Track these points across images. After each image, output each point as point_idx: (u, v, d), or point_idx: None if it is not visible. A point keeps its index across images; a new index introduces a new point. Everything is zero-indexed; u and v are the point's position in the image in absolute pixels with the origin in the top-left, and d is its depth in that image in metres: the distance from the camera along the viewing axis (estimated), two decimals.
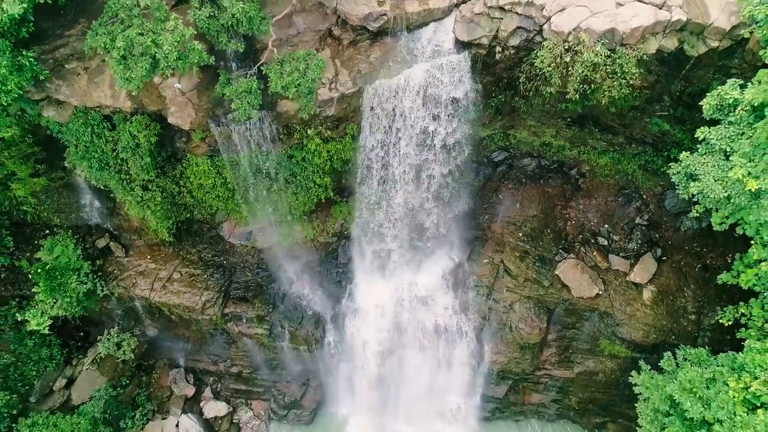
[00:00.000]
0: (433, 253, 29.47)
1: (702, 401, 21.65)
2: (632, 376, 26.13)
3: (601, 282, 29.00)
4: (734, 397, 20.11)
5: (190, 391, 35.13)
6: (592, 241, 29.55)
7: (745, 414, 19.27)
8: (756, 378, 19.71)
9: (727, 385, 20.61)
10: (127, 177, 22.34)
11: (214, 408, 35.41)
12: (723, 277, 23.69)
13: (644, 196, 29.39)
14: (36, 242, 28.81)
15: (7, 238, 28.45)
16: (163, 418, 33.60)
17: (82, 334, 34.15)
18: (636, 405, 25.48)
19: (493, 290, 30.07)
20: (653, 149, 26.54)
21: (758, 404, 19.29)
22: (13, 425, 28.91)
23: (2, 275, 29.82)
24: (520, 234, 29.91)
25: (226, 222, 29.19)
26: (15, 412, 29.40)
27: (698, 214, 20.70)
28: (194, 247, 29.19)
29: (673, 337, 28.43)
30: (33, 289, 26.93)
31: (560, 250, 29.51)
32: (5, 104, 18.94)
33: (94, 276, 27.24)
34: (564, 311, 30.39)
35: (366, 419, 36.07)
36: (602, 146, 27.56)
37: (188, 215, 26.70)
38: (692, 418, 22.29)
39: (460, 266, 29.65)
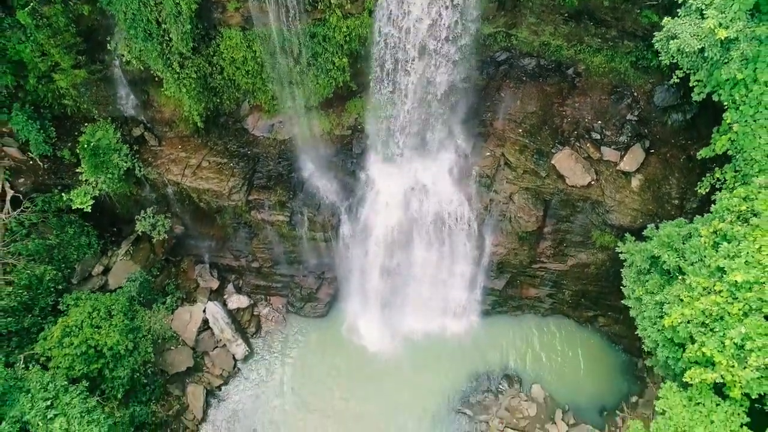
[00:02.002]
0: (441, 146, 32.06)
1: (678, 252, 24.55)
2: (619, 247, 29.04)
3: (593, 171, 31.65)
4: (705, 242, 22.92)
5: (215, 284, 38.29)
6: (586, 136, 32.09)
7: (714, 251, 22.07)
8: (723, 221, 22.50)
9: (700, 234, 23.40)
10: (168, 49, 24.77)
11: (236, 301, 38.58)
12: (702, 152, 26.33)
13: (635, 94, 31.77)
14: (76, 134, 31.42)
15: (50, 129, 31.06)
16: (191, 305, 36.77)
17: (115, 229, 37.20)
18: (623, 301, 28.09)
19: (494, 182, 32.79)
20: (644, 44, 28.86)
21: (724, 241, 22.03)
22: (59, 299, 32.04)
23: (45, 165, 32.60)
24: (520, 130, 32.44)
25: (250, 116, 31.77)
26: (60, 287, 32.54)
27: (678, 80, 23.22)
28: (221, 138, 31.81)
29: (657, 220, 31.09)
30: (77, 169, 29.71)
31: (557, 144, 32.08)
32: None
33: (133, 157, 29.97)
34: (559, 203, 33.10)
35: (375, 315, 39.27)
36: (597, 43, 29.87)
37: (217, 101, 29.21)
38: (668, 270, 25.29)
39: (464, 158, 32.25)
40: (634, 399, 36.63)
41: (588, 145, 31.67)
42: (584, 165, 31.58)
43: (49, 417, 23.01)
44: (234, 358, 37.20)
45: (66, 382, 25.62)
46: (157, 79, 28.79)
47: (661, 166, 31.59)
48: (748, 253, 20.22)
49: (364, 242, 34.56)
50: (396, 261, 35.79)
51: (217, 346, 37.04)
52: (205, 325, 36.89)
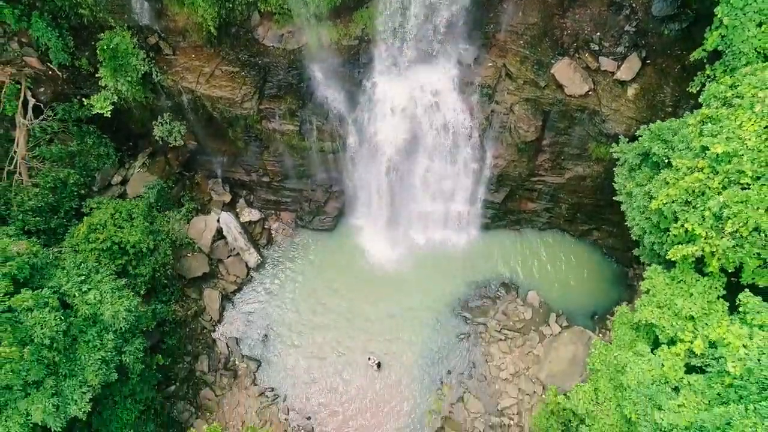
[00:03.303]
0: (444, 56, 33.19)
1: (667, 144, 26.12)
2: (613, 147, 30.57)
3: (591, 81, 32.89)
4: (692, 131, 24.42)
5: (227, 198, 40.11)
6: (585, 47, 33.17)
7: (700, 136, 23.60)
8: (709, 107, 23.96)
9: (688, 124, 24.89)
10: None
11: (248, 214, 40.50)
12: (695, 54, 27.55)
13: (633, 5, 32.61)
14: (93, 44, 32.48)
15: (68, 38, 32.17)
16: (206, 215, 38.69)
17: (131, 144, 38.76)
18: (614, 198, 29.62)
19: (496, 92, 34.08)
20: None
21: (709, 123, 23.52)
22: (82, 203, 33.90)
23: (64, 75, 33.88)
24: (521, 41, 33.48)
25: (261, 26, 32.76)
26: (83, 192, 34.37)
27: None
28: (232, 49, 32.91)
29: None
30: (97, 74, 31.03)
31: (556, 55, 33.21)
32: None
33: (149, 62, 31.25)
34: (558, 114, 34.44)
35: (381, 228, 41.25)
36: None
37: (229, 7, 30.24)
38: (657, 162, 26.91)
39: (467, 69, 33.44)
40: (624, 304, 38.84)
41: (587, 55, 32.81)
42: (582, 74, 32.80)
43: (83, 290, 25.12)
44: (247, 266, 39.40)
45: (96, 264, 27.72)
46: None
47: (656, 75, 32.80)
48: (729, 129, 21.77)
49: (370, 152, 36.12)
50: (401, 172, 37.43)
51: (230, 255, 39.17)
52: (220, 234, 38.90)
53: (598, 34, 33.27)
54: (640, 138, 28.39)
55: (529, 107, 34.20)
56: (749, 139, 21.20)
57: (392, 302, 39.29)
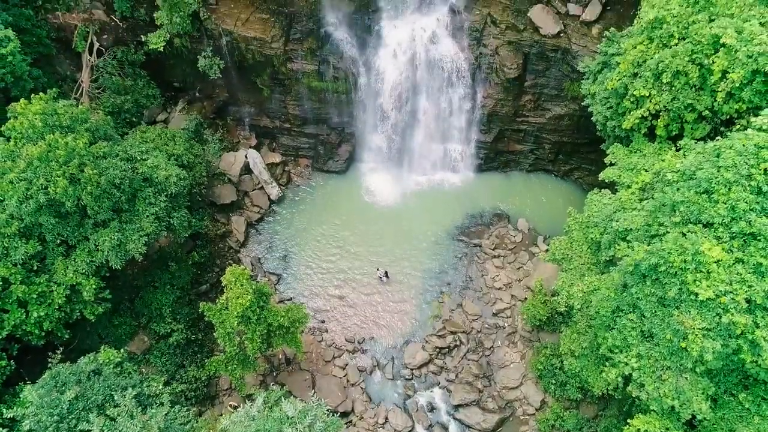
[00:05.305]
0: (440, 3, 39.90)
1: (620, 45, 32.17)
2: (580, 63, 36.55)
3: (561, 24, 39.52)
4: (636, 24, 30.53)
5: (253, 141, 46.05)
6: None
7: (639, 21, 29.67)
8: None
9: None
10: None
11: (271, 157, 46.26)
12: None
13: None
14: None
15: None
16: (236, 152, 44.48)
17: (173, 93, 45.21)
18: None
19: (483, 36, 40.66)
20: None
21: None
22: (130, 131, 39.80)
23: (124, 25, 40.80)
24: None
25: None
26: (134, 120, 40.39)
27: None
28: (264, 2, 39.86)
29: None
30: (154, 14, 37.78)
31: (532, 4, 40.05)
32: None
33: (199, 2, 38.12)
34: (536, 55, 40.78)
35: (386, 171, 46.84)
36: None
37: None
38: (617, 62, 32.81)
39: (458, 15, 40.17)
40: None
41: (557, 2, 39.64)
42: (554, 17, 39.49)
43: (144, 156, 30.64)
44: (269, 198, 44.70)
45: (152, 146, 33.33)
46: None
47: (616, 17, 39.42)
48: (659, 5, 27.84)
49: (377, 92, 42.28)
50: (403, 112, 43.45)
51: (255, 188, 44.58)
52: (246, 170, 44.48)
53: None
54: (599, 47, 34.52)
55: (512, 49, 40.66)
56: (673, 8, 27.26)
57: (396, 232, 44.15)
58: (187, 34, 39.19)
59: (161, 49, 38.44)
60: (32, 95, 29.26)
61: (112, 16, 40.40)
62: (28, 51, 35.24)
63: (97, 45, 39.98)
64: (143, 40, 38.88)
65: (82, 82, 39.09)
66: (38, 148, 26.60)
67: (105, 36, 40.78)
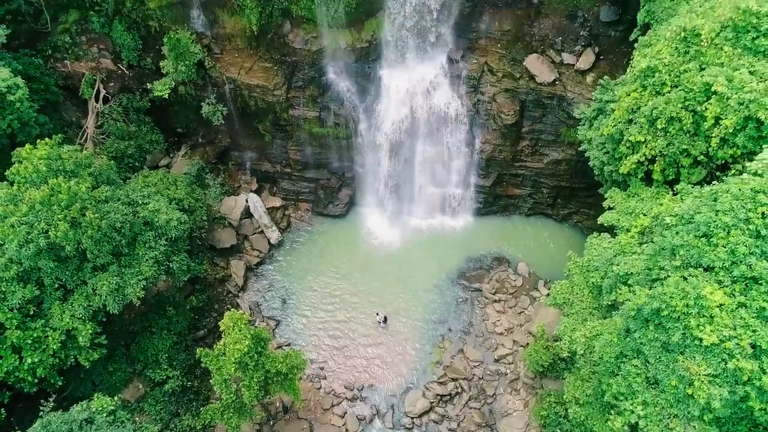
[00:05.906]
0: (438, 54, 41.13)
1: (614, 93, 32.96)
2: (577, 111, 37.27)
3: (556, 72, 40.60)
4: (629, 73, 31.40)
5: (254, 185, 46.49)
6: (550, 47, 41.34)
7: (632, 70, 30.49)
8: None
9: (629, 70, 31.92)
10: None
11: (271, 201, 46.58)
12: (633, 34, 35.36)
13: (586, 15, 41.20)
14: (156, 47, 40.82)
15: (138, 42, 40.53)
16: (236, 196, 44.79)
17: (175, 139, 45.93)
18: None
19: (480, 84, 41.69)
20: None
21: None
22: (133, 175, 40.22)
23: (130, 74, 41.86)
24: (499, 45, 41.69)
25: (291, 32, 41.25)
26: (137, 165, 40.89)
27: None
28: (268, 50, 40.98)
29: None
30: (161, 63, 38.84)
31: (528, 54, 41.25)
32: None
33: (204, 51, 39.18)
34: (532, 102, 41.76)
35: (385, 216, 47.08)
36: None
37: (268, 12, 38.70)
38: (612, 108, 33.53)
39: (456, 64, 41.30)
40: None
41: (551, 51, 40.84)
42: (549, 66, 40.62)
43: (145, 201, 30.88)
44: (269, 242, 44.72)
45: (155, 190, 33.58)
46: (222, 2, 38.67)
47: (608, 66, 40.56)
48: (650, 55, 28.69)
49: (377, 138, 42.98)
50: (402, 156, 44.02)
51: (255, 232, 44.66)
52: (247, 214, 44.68)
53: (560, 38, 41.48)
54: (594, 94, 35.33)
55: (509, 96, 41.64)
56: (665, 57, 28.06)
57: (396, 276, 43.98)
58: (191, 81, 40.20)
59: (166, 96, 39.36)
60: (38, 141, 29.76)
61: (119, 65, 41.52)
62: (35, 98, 36.08)
63: (103, 92, 40.92)
64: (149, 87, 39.88)
65: (87, 127, 39.79)
66: (41, 192, 26.84)
67: (111, 83, 41.77)
